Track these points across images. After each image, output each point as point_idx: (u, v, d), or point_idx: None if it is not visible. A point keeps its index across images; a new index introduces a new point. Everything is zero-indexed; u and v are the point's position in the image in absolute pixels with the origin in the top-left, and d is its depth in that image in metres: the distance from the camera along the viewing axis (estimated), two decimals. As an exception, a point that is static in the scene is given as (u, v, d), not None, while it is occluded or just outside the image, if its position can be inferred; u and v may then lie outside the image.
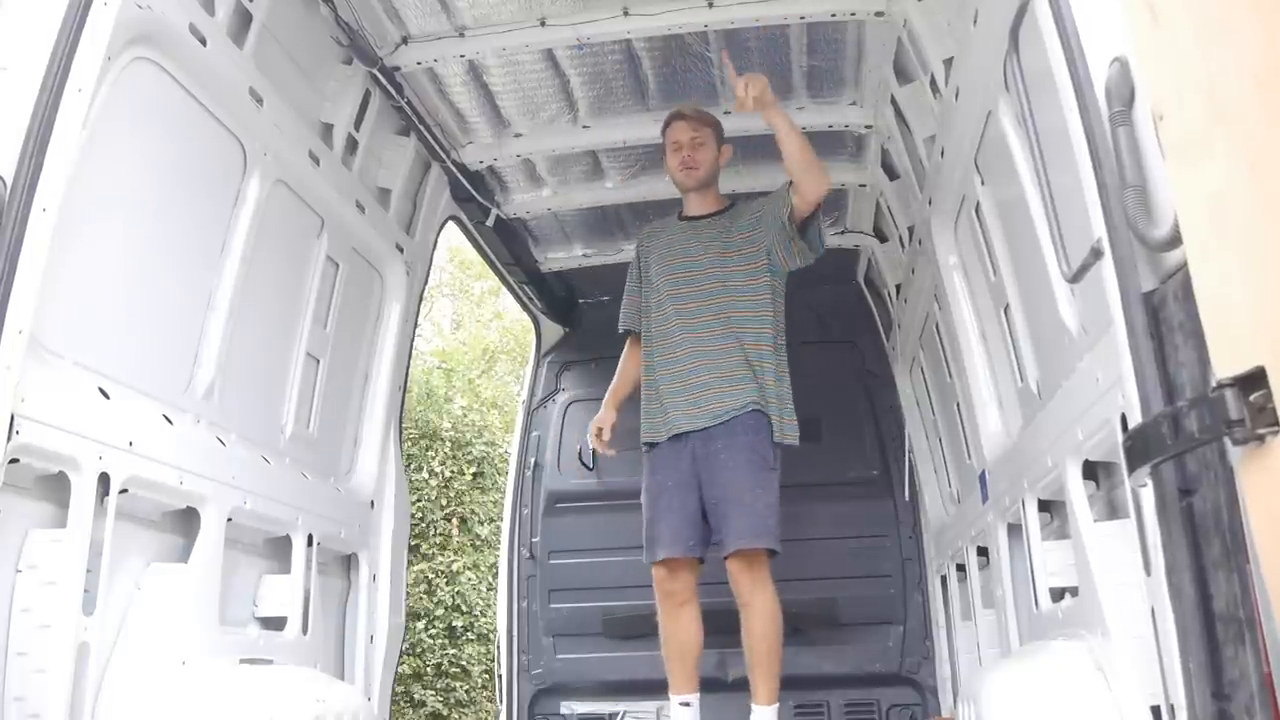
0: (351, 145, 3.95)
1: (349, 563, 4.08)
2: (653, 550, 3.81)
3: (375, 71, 3.85)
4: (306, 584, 3.45)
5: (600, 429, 4.10)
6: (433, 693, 11.53)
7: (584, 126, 4.63)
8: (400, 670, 4.97)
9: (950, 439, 4.61)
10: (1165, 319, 1.90)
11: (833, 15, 3.87)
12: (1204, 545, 1.79)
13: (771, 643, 3.68)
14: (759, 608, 3.66)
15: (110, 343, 2.67)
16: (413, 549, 10.98)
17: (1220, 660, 1.75)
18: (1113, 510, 2.55)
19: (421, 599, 11.52)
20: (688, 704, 3.78)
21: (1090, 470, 2.62)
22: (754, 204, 4.04)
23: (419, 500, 11.66)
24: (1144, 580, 2.02)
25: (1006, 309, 3.38)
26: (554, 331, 6.16)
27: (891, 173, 4.63)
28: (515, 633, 5.62)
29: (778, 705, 3.70)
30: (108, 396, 2.54)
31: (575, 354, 6.09)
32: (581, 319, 6.14)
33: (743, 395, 3.75)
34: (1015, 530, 3.28)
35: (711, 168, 4.04)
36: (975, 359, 3.76)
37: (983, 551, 3.89)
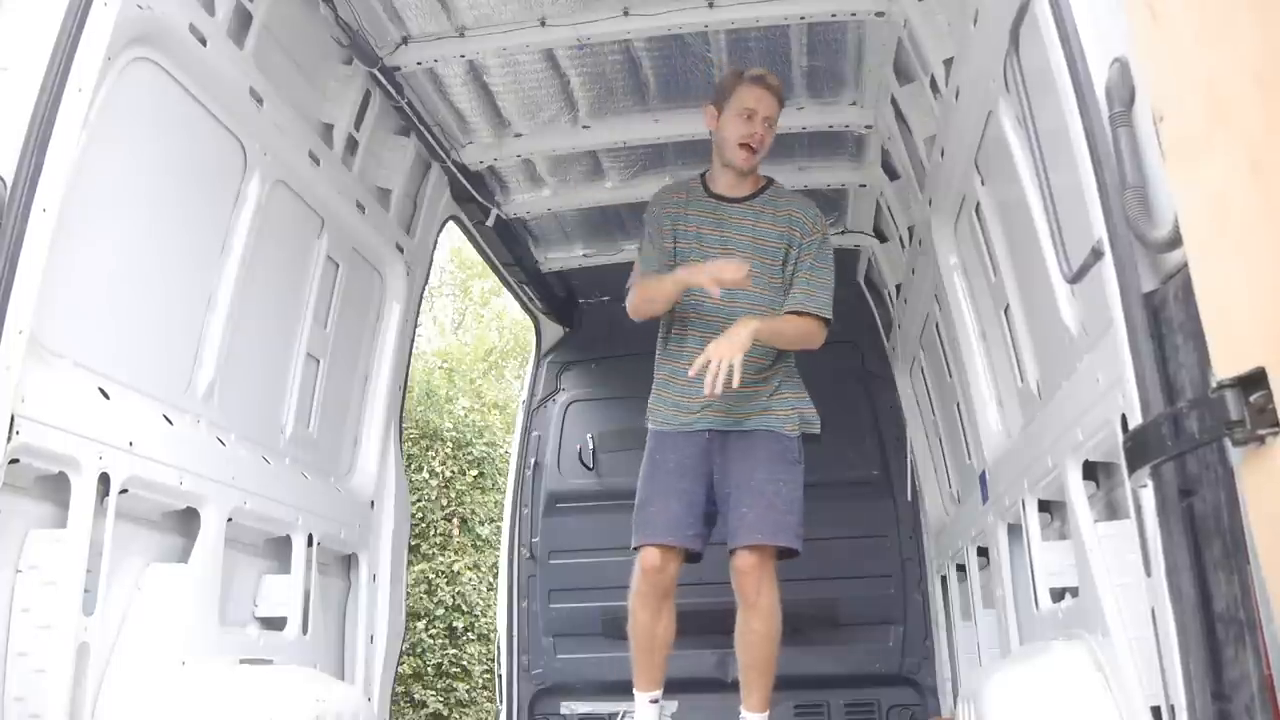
0: (351, 145, 3.95)
1: (349, 563, 4.08)
2: None
3: (375, 71, 3.85)
4: (306, 584, 3.45)
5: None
6: (433, 693, 11.52)
7: (584, 127, 4.62)
8: (400, 670, 4.97)
9: (950, 439, 4.61)
10: (1165, 319, 1.90)
11: (833, 15, 3.87)
12: (1204, 546, 1.79)
13: (774, 645, 3.53)
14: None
15: (110, 343, 2.67)
16: (413, 549, 10.98)
17: (1221, 661, 1.75)
18: (1113, 511, 2.54)
19: (422, 599, 11.51)
20: (657, 700, 3.67)
21: (1090, 470, 2.61)
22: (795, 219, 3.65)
23: (419, 500, 11.64)
24: (1144, 581, 2.02)
25: (1007, 309, 3.38)
26: (554, 332, 6.15)
27: (891, 173, 4.63)
28: (515, 633, 5.62)
29: (769, 713, 3.57)
30: (108, 397, 2.54)
31: (575, 354, 6.09)
32: (582, 319, 6.13)
33: None
34: (1015, 530, 3.27)
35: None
36: (975, 359, 3.75)
37: (983, 552, 3.89)
